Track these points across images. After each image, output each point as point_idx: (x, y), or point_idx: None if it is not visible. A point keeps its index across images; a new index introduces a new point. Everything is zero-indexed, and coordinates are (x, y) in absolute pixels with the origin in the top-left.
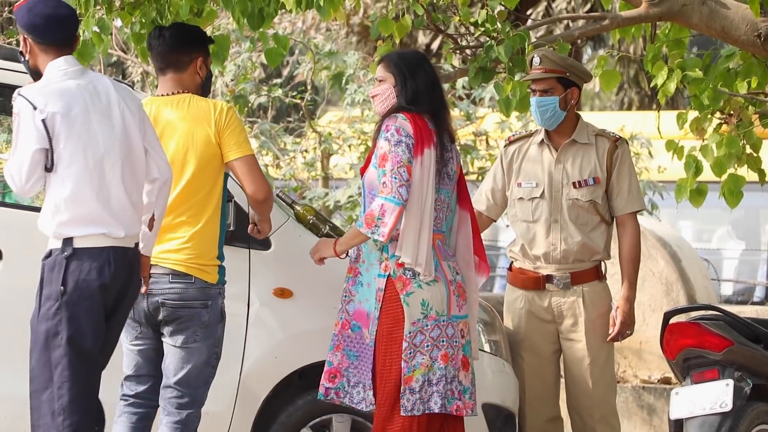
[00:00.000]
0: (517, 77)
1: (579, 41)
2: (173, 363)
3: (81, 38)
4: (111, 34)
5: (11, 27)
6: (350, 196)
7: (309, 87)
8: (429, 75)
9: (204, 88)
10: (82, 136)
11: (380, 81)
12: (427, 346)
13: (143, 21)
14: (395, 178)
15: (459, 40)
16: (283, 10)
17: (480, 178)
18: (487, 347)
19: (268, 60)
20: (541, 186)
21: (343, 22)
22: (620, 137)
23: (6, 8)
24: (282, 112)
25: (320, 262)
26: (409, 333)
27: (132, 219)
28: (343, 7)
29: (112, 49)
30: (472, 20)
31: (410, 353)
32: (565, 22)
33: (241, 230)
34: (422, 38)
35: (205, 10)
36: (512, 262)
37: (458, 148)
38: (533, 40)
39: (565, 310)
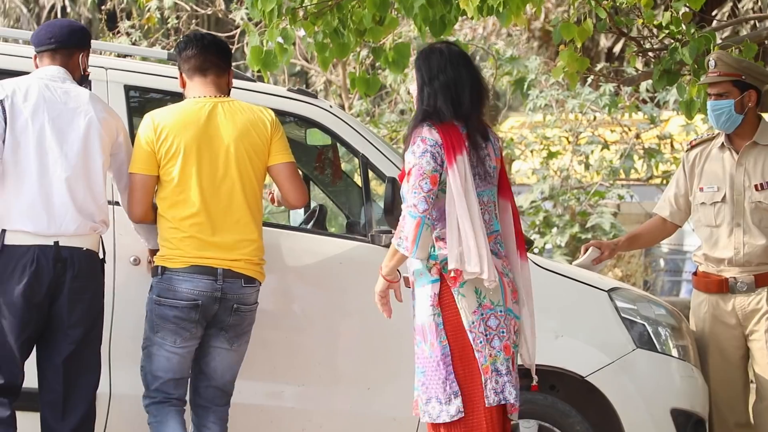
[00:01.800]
0: (702, 79)
1: (767, 42)
2: (223, 365)
3: (265, 48)
4: (294, 44)
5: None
6: (533, 201)
7: (490, 93)
8: (451, 77)
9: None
10: (29, 129)
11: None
12: (487, 335)
13: (326, 31)
14: (415, 192)
15: (642, 42)
16: (464, 17)
17: (664, 181)
18: (675, 352)
19: None
20: (723, 190)
21: (524, 27)
22: None
23: (193, 20)
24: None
25: (383, 300)
26: (472, 323)
27: (72, 218)
28: (524, 12)
29: (295, 58)
30: (655, 22)
31: (480, 342)
32: (752, 22)
33: None
34: (604, 41)
35: (387, 18)
36: (697, 266)
37: (640, 150)
38: (718, 41)
39: (749, 312)
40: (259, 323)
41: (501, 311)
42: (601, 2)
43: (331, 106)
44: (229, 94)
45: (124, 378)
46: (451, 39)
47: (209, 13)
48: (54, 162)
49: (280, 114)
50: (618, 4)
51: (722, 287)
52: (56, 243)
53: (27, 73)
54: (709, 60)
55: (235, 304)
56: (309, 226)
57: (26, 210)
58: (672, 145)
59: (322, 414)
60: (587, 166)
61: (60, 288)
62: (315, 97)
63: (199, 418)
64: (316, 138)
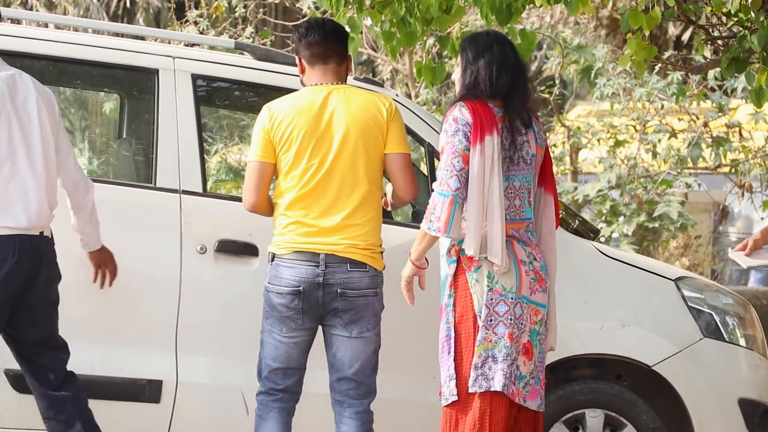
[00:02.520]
0: None
1: None
2: (347, 354)
3: None
4: (361, 32)
5: (265, 27)
6: (599, 190)
7: (557, 81)
8: (497, 56)
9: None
10: (2, 123)
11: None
12: (491, 320)
13: (393, 20)
14: (447, 169)
15: (711, 30)
16: (531, 5)
17: (732, 170)
18: (742, 341)
19: None
20: None
21: (592, 16)
22: None
23: (260, 9)
24: None
25: (408, 286)
26: (480, 310)
27: (42, 209)
28: (592, 0)
29: (362, 47)
30: (724, 10)
31: (479, 328)
32: None
33: None
34: (672, 29)
35: (454, 6)
36: None
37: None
38: None
39: None
40: None
41: (512, 298)
42: None
43: (397, 95)
44: (346, 80)
45: (190, 366)
46: (518, 27)
47: (277, 1)
48: (25, 153)
49: None
50: None
51: None
52: (32, 234)
53: (94, 62)
54: None
55: (340, 288)
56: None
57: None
58: (740, 134)
59: (388, 403)
60: (654, 155)
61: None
62: (381, 85)
63: (336, 414)
64: None
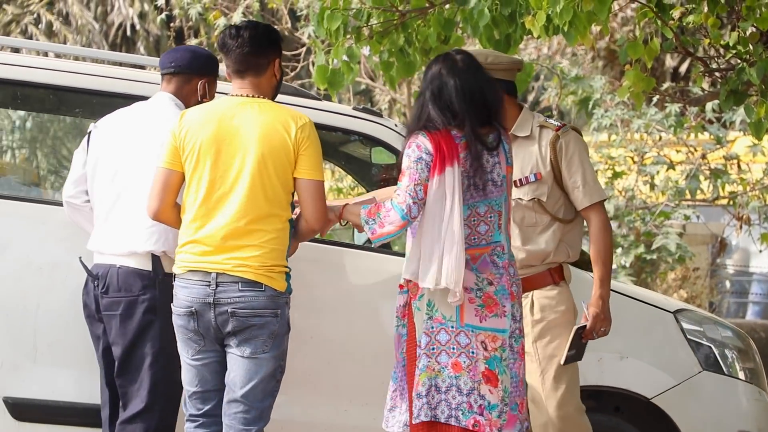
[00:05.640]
0: None
1: None
2: (240, 375)
3: (330, 67)
4: (359, 62)
5: None
6: None
7: (555, 112)
8: (445, 84)
9: (275, 90)
10: None
11: None
12: (433, 348)
13: (391, 49)
14: (410, 194)
15: (709, 62)
16: (529, 36)
17: (730, 202)
18: (741, 375)
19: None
20: None
21: (590, 47)
22: (564, 125)
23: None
24: None
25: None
26: (420, 338)
27: None
28: (590, 32)
29: (361, 77)
30: (722, 42)
31: (419, 356)
32: None
33: None
34: (670, 61)
35: (452, 36)
36: None
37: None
38: None
39: None
40: (326, 341)
41: (452, 327)
42: (667, 22)
43: (396, 125)
44: (271, 89)
45: None
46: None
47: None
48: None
49: (346, 132)
50: (684, 24)
51: None
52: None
53: (94, 91)
54: None
55: (230, 308)
56: (372, 245)
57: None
58: (739, 166)
59: None
60: (652, 187)
61: None
62: (380, 115)
63: None
64: (381, 157)
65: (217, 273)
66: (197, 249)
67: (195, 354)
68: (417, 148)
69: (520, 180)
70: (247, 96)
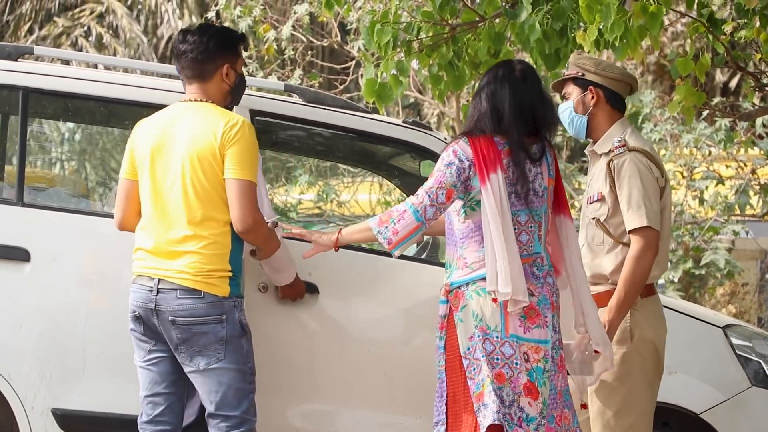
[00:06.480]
0: None
1: None
2: (204, 390)
3: (379, 80)
4: (409, 76)
5: (313, 70)
6: None
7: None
8: (500, 89)
9: (235, 93)
10: None
11: None
12: (483, 357)
13: (441, 63)
14: (429, 196)
15: (760, 77)
16: (579, 50)
17: None
18: None
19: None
20: None
21: (640, 61)
22: (623, 145)
23: (309, 51)
24: (576, 152)
25: (306, 237)
26: (468, 348)
27: None
28: (640, 46)
29: (410, 90)
30: None
31: (474, 369)
32: None
33: None
34: (720, 76)
35: (503, 50)
36: None
37: (756, 185)
38: None
39: None
40: (381, 353)
41: (497, 336)
42: (719, 37)
43: (445, 138)
44: (222, 94)
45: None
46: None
47: (325, 44)
48: None
49: (397, 142)
50: (736, 39)
51: None
52: None
53: (143, 103)
54: None
55: (170, 316)
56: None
57: None
58: None
59: None
60: (702, 201)
61: None
62: (429, 128)
63: None
64: (430, 170)
65: (159, 279)
66: (144, 255)
67: (145, 355)
68: (453, 153)
69: (589, 198)
70: (194, 101)
